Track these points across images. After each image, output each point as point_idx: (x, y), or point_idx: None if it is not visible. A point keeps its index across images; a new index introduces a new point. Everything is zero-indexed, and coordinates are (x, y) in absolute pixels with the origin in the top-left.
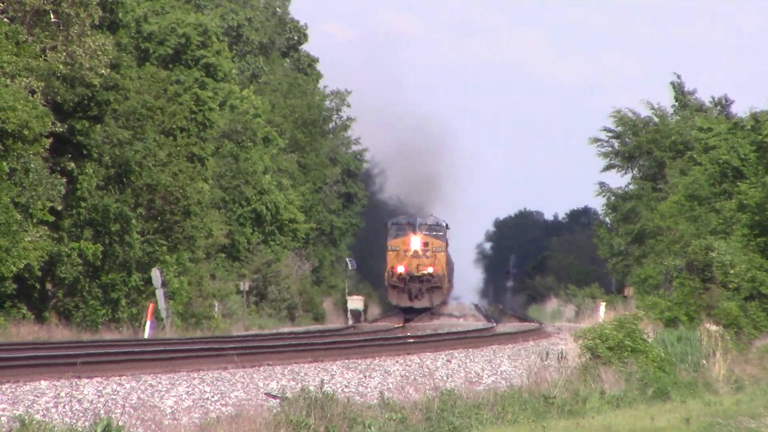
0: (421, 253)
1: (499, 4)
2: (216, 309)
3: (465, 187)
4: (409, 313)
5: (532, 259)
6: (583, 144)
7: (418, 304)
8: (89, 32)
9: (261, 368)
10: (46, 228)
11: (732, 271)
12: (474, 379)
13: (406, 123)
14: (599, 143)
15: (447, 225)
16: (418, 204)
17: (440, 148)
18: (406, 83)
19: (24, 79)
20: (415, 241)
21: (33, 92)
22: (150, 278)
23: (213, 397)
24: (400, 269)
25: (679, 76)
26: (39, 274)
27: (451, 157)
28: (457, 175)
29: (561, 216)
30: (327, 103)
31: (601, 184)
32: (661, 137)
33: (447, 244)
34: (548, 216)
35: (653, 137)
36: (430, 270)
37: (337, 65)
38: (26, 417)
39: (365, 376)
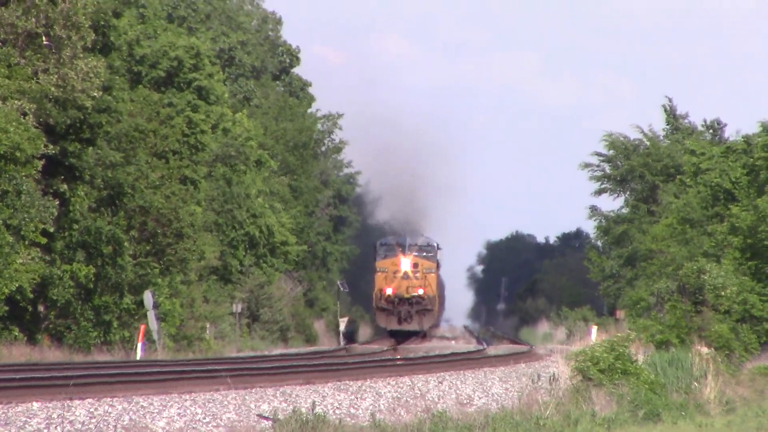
0: (410, 274)
1: (493, 26)
2: (208, 331)
3: (457, 210)
4: (398, 337)
5: (523, 281)
6: (575, 167)
7: (407, 327)
8: (81, 55)
9: (253, 390)
10: (39, 250)
11: (723, 294)
12: (465, 401)
13: (398, 145)
14: (591, 167)
15: (438, 245)
16: (408, 225)
17: (432, 170)
18: (399, 105)
19: (16, 102)
20: (405, 262)
21: (25, 114)
22: (142, 300)
23: (205, 418)
24: (389, 291)
25: (670, 100)
26: (31, 296)
27: (442, 178)
28: (449, 197)
29: (552, 239)
30: (319, 125)
31: (593, 208)
32: (652, 161)
33: (438, 265)
34: (540, 239)
35: (645, 161)
36: (420, 292)
37: (330, 87)
38: None
39: (357, 398)
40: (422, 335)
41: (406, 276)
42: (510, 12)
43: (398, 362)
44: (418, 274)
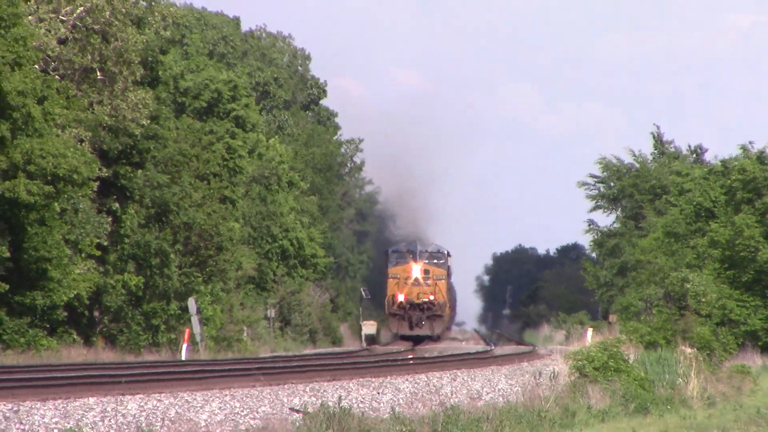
0: (421, 280)
1: (497, 63)
2: (245, 333)
3: (465, 225)
4: (410, 342)
5: (526, 289)
6: (572, 186)
7: (418, 332)
8: (132, 88)
9: (285, 386)
10: (94, 262)
11: (704, 300)
12: (475, 396)
13: (413, 167)
14: (586, 186)
15: (448, 253)
16: (420, 236)
17: (442, 190)
18: (412, 131)
19: (73, 130)
20: (416, 269)
21: (81, 141)
22: (186, 306)
23: (242, 411)
24: (401, 297)
25: (658, 127)
26: (87, 302)
27: (452, 197)
28: (458, 215)
29: (552, 251)
30: (342, 149)
31: (590, 222)
32: (641, 182)
33: (449, 272)
34: (541, 251)
35: (634, 182)
36: (431, 298)
37: (352, 115)
38: (76, 430)
39: (378, 393)
40: (434, 339)
41: (417, 282)
42: (512, 50)
43: (410, 362)
44: (428, 281)
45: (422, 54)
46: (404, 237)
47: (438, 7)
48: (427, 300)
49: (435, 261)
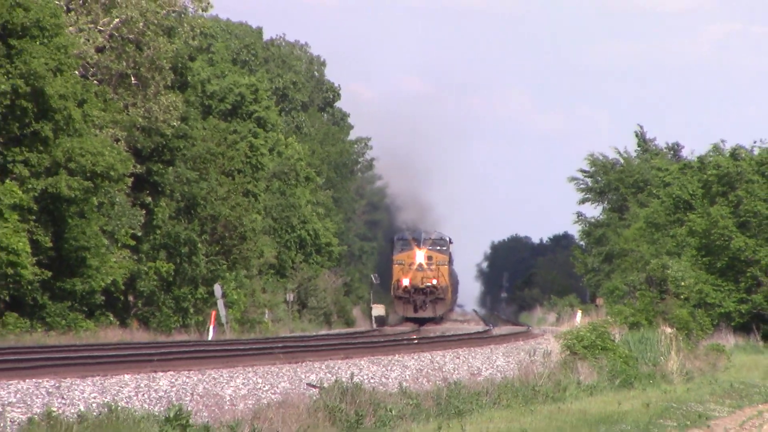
0: (425, 266)
1: (493, 67)
2: (266, 316)
3: (466, 216)
4: (415, 323)
5: (521, 275)
6: (563, 181)
7: (422, 315)
8: (163, 92)
9: (303, 364)
10: (128, 251)
11: (683, 285)
12: (475, 372)
13: (418, 164)
14: (576, 181)
15: (450, 240)
16: (423, 225)
17: (445, 185)
18: (417, 130)
19: (110, 130)
20: (420, 255)
21: (117, 140)
22: (213, 291)
23: (264, 387)
24: (405, 282)
25: (641, 127)
26: (123, 288)
27: (455, 191)
28: (460, 207)
29: (545, 240)
30: (354, 147)
31: (578, 214)
32: (625, 176)
33: (450, 258)
34: (535, 240)
35: (619, 176)
36: (434, 282)
37: (362, 116)
38: (112, 404)
39: (387, 370)
40: (437, 320)
41: (420, 268)
42: (507, 57)
43: (415, 341)
44: (432, 266)
45: (425, 61)
46: (409, 226)
47: (439, 20)
48: (430, 284)
49: (437, 248)
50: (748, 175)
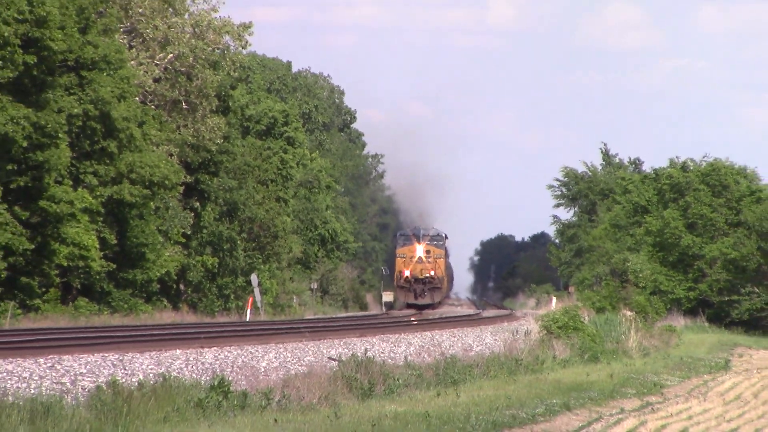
0: (424, 259)
1: (481, 92)
2: (294, 301)
3: (460, 217)
4: (418, 308)
5: (506, 267)
6: (542, 188)
7: (421, 302)
8: (209, 115)
9: (325, 341)
10: (180, 247)
11: (641, 275)
12: (468, 348)
13: (420, 177)
14: (552, 188)
15: (446, 236)
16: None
17: (442, 191)
18: (420, 147)
19: (165, 147)
20: (419, 249)
21: (171, 155)
22: (250, 280)
23: (292, 360)
24: (407, 273)
25: (605, 144)
26: (175, 278)
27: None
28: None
29: (526, 238)
30: (368, 161)
31: (554, 216)
32: (593, 185)
33: (446, 252)
34: (518, 238)
35: (588, 185)
36: (432, 273)
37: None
38: (166, 374)
39: (395, 346)
40: (435, 306)
41: (420, 260)
42: (495, 85)
43: (414, 322)
44: (430, 259)
45: (426, 89)
46: (411, 224)
47: (437, 55)
48: (428, 275)
49: (435, 243)
50: (695, 184)
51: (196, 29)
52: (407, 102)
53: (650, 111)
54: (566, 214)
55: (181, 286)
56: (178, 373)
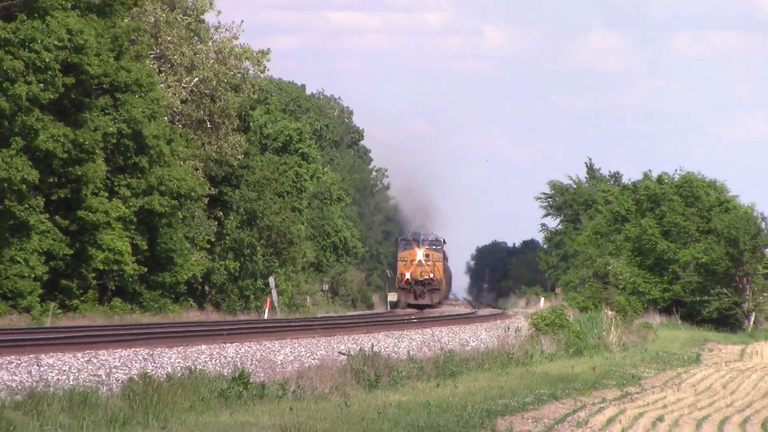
0: (423, 262)
1: (476, 111)
2: (308, 301)
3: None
4: (420, 307)
5: (499, 270)
6: (531, 199)
7: (421, 302)
8: (231, 133)
9: (335, 337)
10: (205, 252)
11: (621, 278)
12: (464, 343)
13: (421, 188)
14: (540, 199)
15: (444, 240)
16: (423, 228)
17: (441, 201)
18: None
19: (191, 162)
20: (419, 253)
21: (196, 169)
22: (268, 282)
23: (306, 354)
24: (408, 275)
25: (590, 159)
26: (200, 280)
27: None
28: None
29: (517, 244)
30: (373, 175)
31: (542, 225)
32: (577, 197)
33: (445, 256)
34: (510, 244)
35: (573, 197)
36: (431, 276)
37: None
38: (192, 367)
39: (398, 341)
40: (434, 306)
41: (420, 264)
42: (487, 104)
43: (414, 320)
44: (429, 262)
45: (426, 108)
46: (412, 222)
47: (436, 77)
48: (427, 277)
49: (434, 247)
50: (670, 195)
51: (219, 55)
52: (409, 120)
53: (630, 128)
54: (553, 223)
55: (206, 288)
56: (203, 366)
